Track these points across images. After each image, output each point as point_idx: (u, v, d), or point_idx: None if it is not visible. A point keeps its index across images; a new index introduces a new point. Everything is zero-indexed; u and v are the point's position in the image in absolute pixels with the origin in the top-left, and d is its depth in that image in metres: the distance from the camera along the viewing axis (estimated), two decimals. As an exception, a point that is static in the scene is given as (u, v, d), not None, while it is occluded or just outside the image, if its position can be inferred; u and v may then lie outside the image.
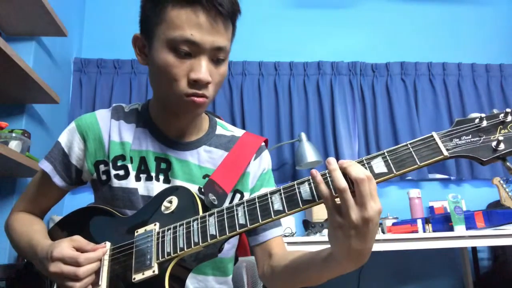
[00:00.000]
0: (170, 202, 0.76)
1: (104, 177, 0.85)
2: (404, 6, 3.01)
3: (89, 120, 0.88)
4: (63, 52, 2.37)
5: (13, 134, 1.58)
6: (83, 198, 2.37)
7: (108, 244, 0.76)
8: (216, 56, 0.75)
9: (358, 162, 0.62)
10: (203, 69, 0.73)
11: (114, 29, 2.70)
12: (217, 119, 0.98)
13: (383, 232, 2.09)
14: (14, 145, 1.56)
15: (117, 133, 0.87)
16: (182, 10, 0.72)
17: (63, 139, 0.89)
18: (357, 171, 0.57)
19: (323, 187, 0.59)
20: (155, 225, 0.74)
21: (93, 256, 0.71)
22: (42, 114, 2.04)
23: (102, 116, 0.89)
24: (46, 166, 0.88)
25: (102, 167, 0.86)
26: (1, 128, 1.58)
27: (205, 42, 0.72)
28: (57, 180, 0.88)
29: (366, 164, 0.62)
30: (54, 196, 0.93)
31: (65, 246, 0.70)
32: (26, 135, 1.65)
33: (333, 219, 0.60)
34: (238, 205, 0.68)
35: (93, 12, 2.74)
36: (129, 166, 0.84)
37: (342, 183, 0.57)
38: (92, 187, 0.91)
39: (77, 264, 0.69)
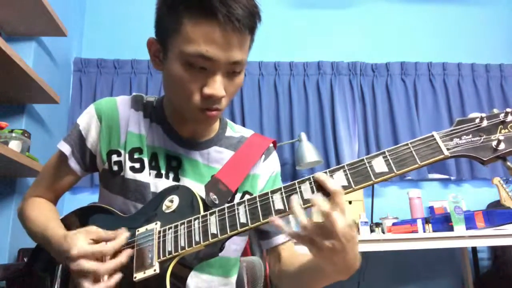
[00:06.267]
0: (171, 201, 0.76)
1: (115, 168, 0.85)
2: (404, 6, 3.01)
3: (109, 105, 0.88)
4: (63, 52, 2.37)
5: (13, 134, 1.58)
6: (83, 198, 2.37)
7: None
8: (232, 69, 0.74)
9: (359, 162, 0.63)
10: (217, 85, 0.72)
11: (114, 29, 2.71)
12: (227, 120, 0.98)
13: (383, 232, 2.09)
14: (14, 145, 1.57)
15: (137, 125, 0.87)
16: (198, 24, 0.69)
17: (81, 121, 0.88)
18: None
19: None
20: (156, 224, 0.74)
21: (117, 246, 0.70)
22: (42, 114, 2.04)
23: (122, 103, 0.89)
24: (66, 148, 0.87)
25: (114, 157, 0.85)
26: (1, 128, 1.58)
27: (220, 58, 0.70)
28: (72, 162, 0.88)
29: (367, 164, 0.62)
30: (67, 180, 0.91)
31: (83, 241, 0.68)
32: (26, 135, 1.65)
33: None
34: (239, 204, 0.68)
35: (93, 12, 2.75)
36: (145, 160, 0.84)
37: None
38: (100, 179, 0.90)
39: (103, 257, 0.68)
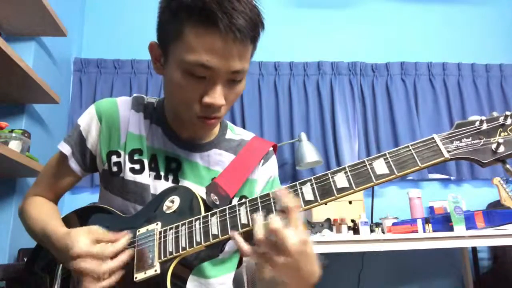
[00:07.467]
0: (172, 201, 0.76)
1: (115, 169, 0.85)
2: (404, 6, 3.01)
3: (109, 105, 0.88)
4: (63, 52, 2.37)
5: (13, 134, 1.58)
6: (83, 198, 2.37)
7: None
8: (232, 78, 0.73)
9: (360, 163, 0.63)
10: (217, 94, 0.72)
11: (114, 29, 2.70)
12: (228, 122, 0.98)
13: (383, 232, 2.09)
14: (14, 145, 1.56)
15: (137, 126, 0.87)
16: (199, 33, 0.68)
17: (82, 122, 0.88)
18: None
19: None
20: (157, 224, 0.74)
21: (118, 248, 0.70)
22: (42, 114, 2.04)
23: (123, 104, 0.89)
24: (66, 149, 0.88)
25: (114, 158, 0.85)
26: (1, 128, 1.58)
27: (221, 68, 0.70)
28: (72, 163, 0.88)
29: (368, 165, 0.62)
30: (68, 181, 0.92)
31: (85, 241, 0.69)
32: (26, 135, 1.65)
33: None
34: (240, 205, 0.68)
35: (93, 12, 2.74)
36: (145, 161, 0.84)
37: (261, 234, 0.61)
38: (100, 179, 0.90)
39: (104, 258, 0.68)
